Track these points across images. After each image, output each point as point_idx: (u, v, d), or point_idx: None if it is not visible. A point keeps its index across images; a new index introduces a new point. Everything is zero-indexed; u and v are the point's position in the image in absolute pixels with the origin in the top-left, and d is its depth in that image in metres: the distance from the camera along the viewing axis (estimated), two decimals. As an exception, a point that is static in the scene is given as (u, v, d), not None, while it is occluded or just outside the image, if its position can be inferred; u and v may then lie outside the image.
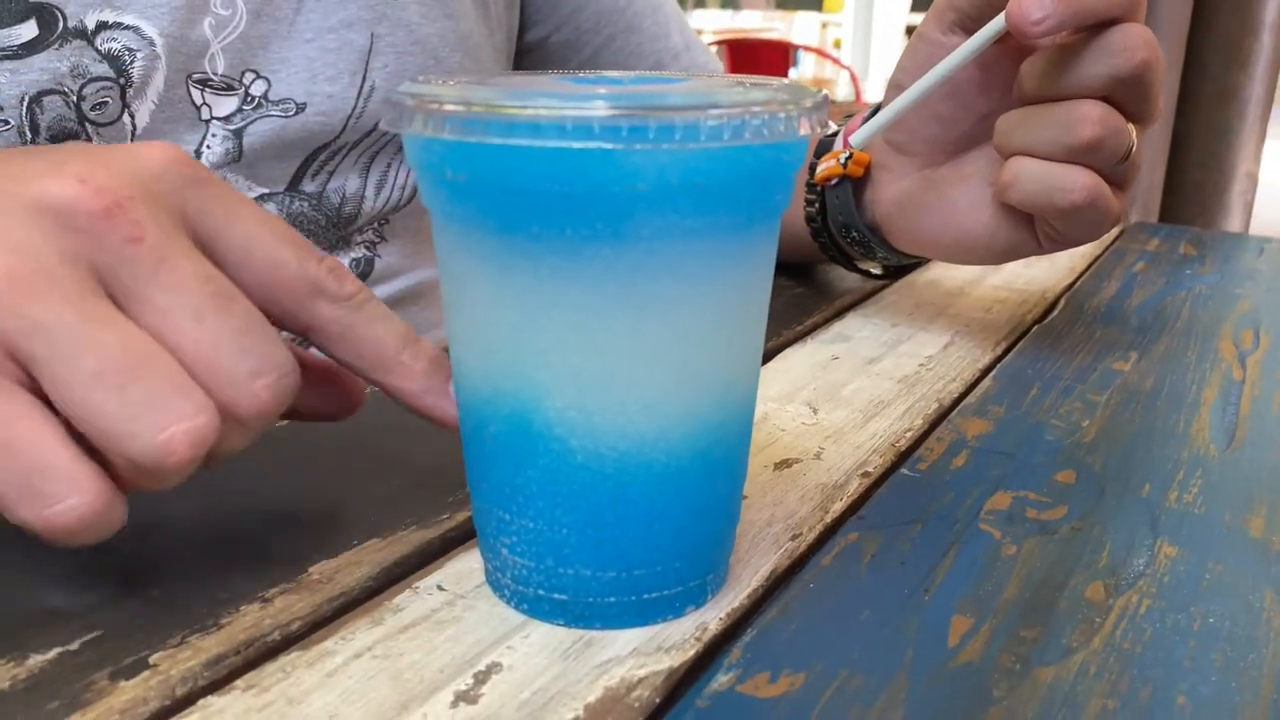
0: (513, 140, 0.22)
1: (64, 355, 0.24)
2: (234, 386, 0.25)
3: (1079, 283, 0.63)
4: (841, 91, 3.60)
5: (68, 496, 0.24)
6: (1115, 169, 0.42)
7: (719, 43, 3.72)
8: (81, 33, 0.44)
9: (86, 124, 0.45)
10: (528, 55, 0.66)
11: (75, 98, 0.44)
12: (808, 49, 4.81)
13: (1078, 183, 0.41)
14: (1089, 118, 0.41)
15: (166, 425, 0.24)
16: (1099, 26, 0.40)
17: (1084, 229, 0.43)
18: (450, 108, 0.23)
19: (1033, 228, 0.45)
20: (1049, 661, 0.26)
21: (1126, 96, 0.41)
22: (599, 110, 0.22)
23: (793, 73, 3.84)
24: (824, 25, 7.27)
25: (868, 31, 6.79)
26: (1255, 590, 0.30)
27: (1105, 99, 0.41)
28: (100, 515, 0.24)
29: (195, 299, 0.25)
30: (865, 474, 0.36)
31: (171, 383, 0.24)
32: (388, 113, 0.25)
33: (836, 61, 4.33)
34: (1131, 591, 0.29)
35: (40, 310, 0.24)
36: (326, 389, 0.31)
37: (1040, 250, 0.46)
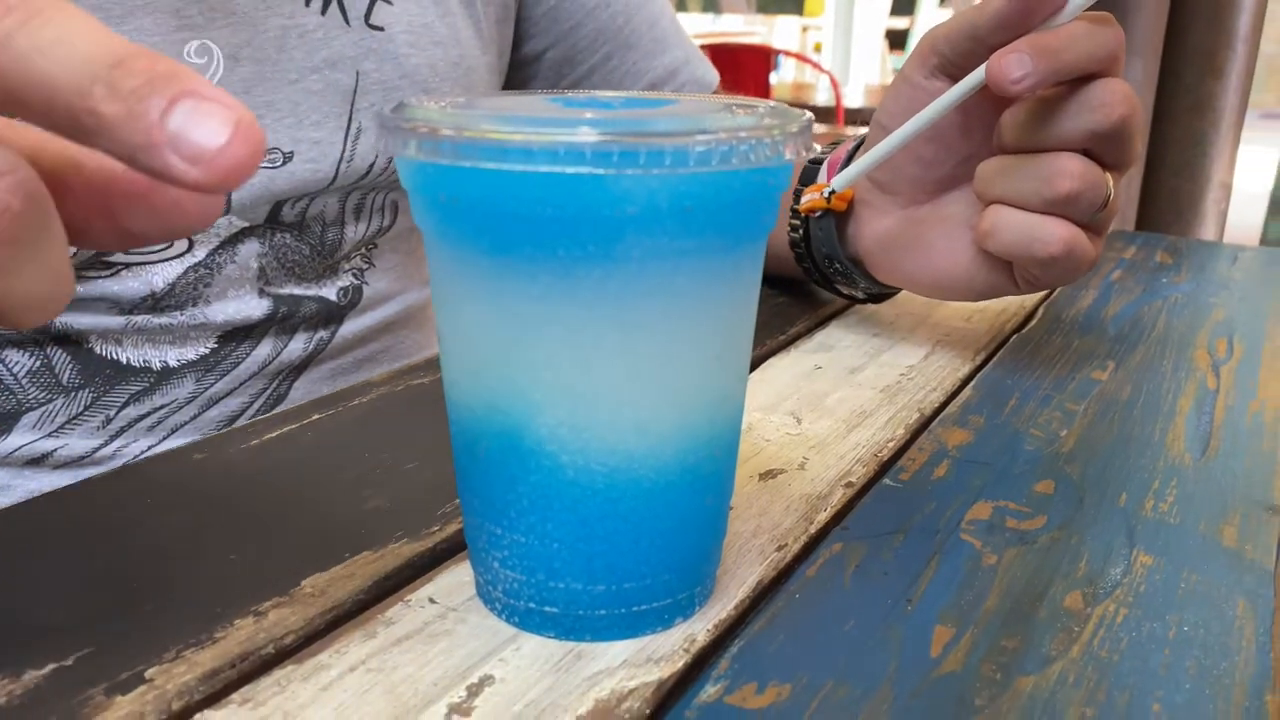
0: (506, 165, 0.23)
1: None
2: None
3: (1057, 291, 0.64)
4: (822, 96, 3.62)
5: None
6: (1093, 217, 0.43)
7: (700, 49, 3.73)
8: None
9: None
10: (523, 69, 0.65)
11: None
12: (788, 54, 4.84)
13: (1055, 235, 0.42)
14: (1067, 171, 0.41)
15: None
16: (1078, 80, 0.41)
17: (1061, 275, 0.44)
18: (444, 132, 0.23)
19: (1011, 271, 0.46)
20: (1029, 671, 0.27)
21: (1105, 149, 0.42)
22: (591, 136, 0.22)
23: (773, 77, 3.85)
24: (804, 29, 7.32)
25: (848, 35, 6.83)
26: (1228, 599, 0.30)
27: (1084, 151, 0.42)
28: None
29: None
30: (849, 484, 0.37)
31: None
32: (380, 136, 0.25)
33: (817, 66, 4.35)
34: (1109, 600, 0.30)
35: None
36: (140, 202, 0.23)
37: (1018, 291, 0.46)
